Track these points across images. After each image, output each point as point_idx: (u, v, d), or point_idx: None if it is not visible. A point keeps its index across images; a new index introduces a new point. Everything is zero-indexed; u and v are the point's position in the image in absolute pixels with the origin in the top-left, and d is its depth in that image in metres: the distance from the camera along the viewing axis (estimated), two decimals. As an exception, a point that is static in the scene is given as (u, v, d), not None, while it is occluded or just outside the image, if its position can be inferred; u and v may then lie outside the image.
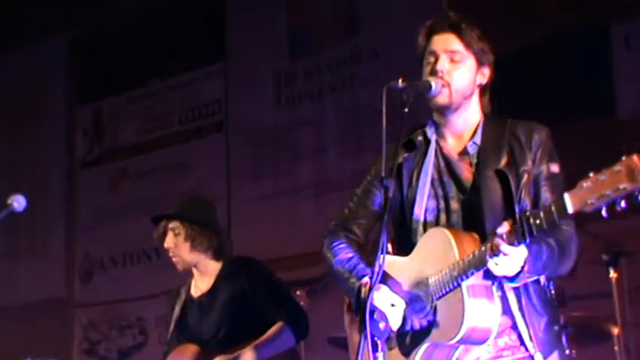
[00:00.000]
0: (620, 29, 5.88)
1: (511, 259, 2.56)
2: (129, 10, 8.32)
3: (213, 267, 4.36)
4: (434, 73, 2.87)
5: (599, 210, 2.31)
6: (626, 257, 4.77)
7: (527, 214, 2.54)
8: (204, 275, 4.39)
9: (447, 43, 2.91)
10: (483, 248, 2.61)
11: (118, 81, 8.43)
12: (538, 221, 2.50)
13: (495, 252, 2.55)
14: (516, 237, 2.52)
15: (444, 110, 2.92)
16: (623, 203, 2.28)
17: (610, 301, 4.64)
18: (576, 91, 5.86)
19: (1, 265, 8.31)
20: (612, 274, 4.69)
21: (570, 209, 2.39)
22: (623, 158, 2.28)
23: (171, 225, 4.32)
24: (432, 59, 2.91)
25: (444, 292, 2.71)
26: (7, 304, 8.23)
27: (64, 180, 8.67)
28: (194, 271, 4.42)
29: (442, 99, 2.87)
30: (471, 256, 2.65)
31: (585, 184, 2.35)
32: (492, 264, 2.57)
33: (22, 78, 8.86)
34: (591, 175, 2.34)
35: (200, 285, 4.40)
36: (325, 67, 7.30)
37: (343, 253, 3.06)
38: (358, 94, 7.03)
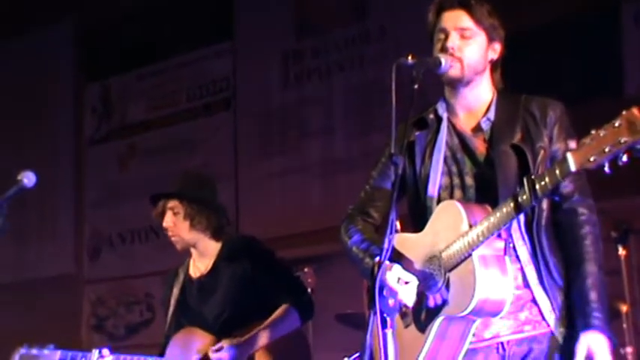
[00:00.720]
0: (630, 7, 5.86)
1: None
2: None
3: (213, 247, 4.30)
4: (444, 50, 2.86)
5: (602, 166, 2.32)
6: (635, 235, 4.78)
7: (533, 177, 2.56)
8: (203, 255, 4.32)
9: (457, 19, 2.89)
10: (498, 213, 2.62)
11: (126, 59, 8.43)
12: (543, 183, 2.52)
13: None
14: (523, 198, 2.55)
15: (456, 84, 2.90)
16: (624, 157, 2.28)
17: (619, 279, 4.64)
18: (586, 70, 5.85)
19: (10, 243, 8.34)
20: (621, 252, 4.70)
21: (573, 167, 2.40)
22: (624, 113, 2.28)
23: (169, 204, 4.23)
24: (442, 36, 2.89)
25: (455, 263, 2.70)
26: (17, 281, 8.28)
27: (72, 157, 8.70)
28: (193, 251, 4.34)
29: (454, 72, 2.86)
30: (481, 222, 2.66)
31: (587, 140, 2.36)
32: None
33: (31, 58, 8.87)
34: (592, 132, 2.34)
35: (199, 265, 4.34)
36: (333, 46, 7.28)
37: (358, 236, 3.05)
38: (366, 73, 7.02)
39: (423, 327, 2.80)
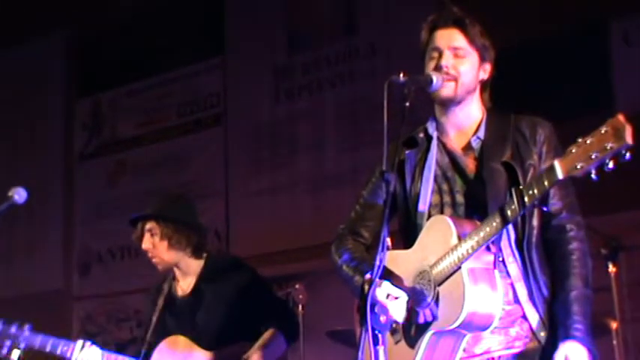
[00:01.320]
0: (619, 26, 5.90)
1: None
2: (128, 4, 8.32)
3: (195, 265, 4.29)
4: (438, 68, 2.88)
5: (589, 173, 2.35)
6: (625, 251, 4.78)
7: (521, 187, 2.58)
8: (185, 274, 4.31)
9: (450, 38, 2.91)
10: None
11: (116, 74, 8.43)
12: (531, 192, 2.53)
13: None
14: (511, 208, 2.57)
15: (448, 103, 2.92)
16: (611, 164, 2.31)
17: (609, 296, 4.65)
18: (576, 87, 5.87)
19: (-1, 258, 8.32)
20: (611, 269, 4.70)
21: (560, 175, 2.42)
22: (609, 119, 2.30)
23: (147, 226, 4.24)
24: (435, 54, 2.91)
25: (444, 277, 2.71)
26: (6, 297, 8.22)
27: (62, 173, 8.67)
28: (175, 270, 4.34)
29: (447, 91, 2.88)
30: (469, 235, 2.67)
31: (573, 149, 2.38)
32: None
33: (22, 72, 8.85)
34: (579, 139, 2.36)
35: (182, 284, 4.33)
36: (324, 62, 7.30)
37: (348, 255, 3.07)
38: (357, 89, 7.04)
39: (413, 342, 2.80)
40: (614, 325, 4.62)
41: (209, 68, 7.99)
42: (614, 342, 4.63)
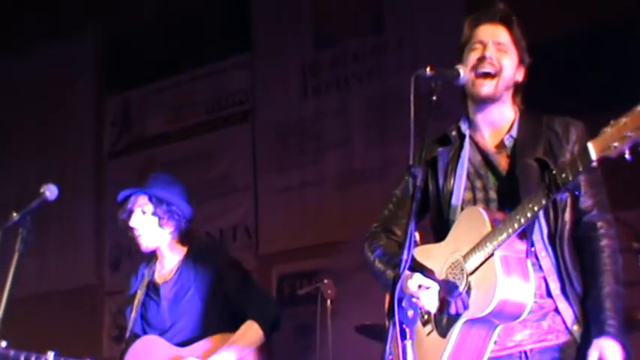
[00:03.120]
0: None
1: None
2: (156, 2, 8.37)
3: (179, 252, 4.23)
4: (482, 59, 2.88)
5: (623, 153, 2.33)
6: (657, 245, 4.74)
7: (554, 171, 2.58)
8: (167, 260, 4.24)
9: (495, 33, 2.92)
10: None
11: (145, 72, 8.48)
12: (564, 175, 2.53)
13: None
14: (546, 192, 2.57)
15: (486, 102, 2.92)
16: None
17: (639, 289, 4.62)
18: (605, 80, 5.84)
19: (32, 255, 8.38)
20: (642, 263, 4.67)
21: (593, 156, 2.41)
22: None
23: (139, 201, 4.17)
24: (478, 46, 2.92)
25: (477, 265, 2.72)
26: (39, 293, 8.31)
27: (92, 170, 8.74)
28: (158, 254, 4.26)
29: (487, 90, 2.89)
30: (503, 222, 2.67)
31: (607, 129, 2.37)
32: None
33: (53, 71, 8.92)
34: (612, 121, 2.35)
35: (164, 270, 4.26)
36: (350, 57, 7.30)
37: (380, 250, 3.08)
38: (384, 84, 7.03)
39: (444, 332, 2.81)
40: (645, 319, 4.58)
41: (236, 65, 8.01)
42: (645, 336, 4.60)
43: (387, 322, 2.84)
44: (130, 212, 4.18)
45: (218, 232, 7.70)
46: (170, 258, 4.25)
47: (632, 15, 5.89)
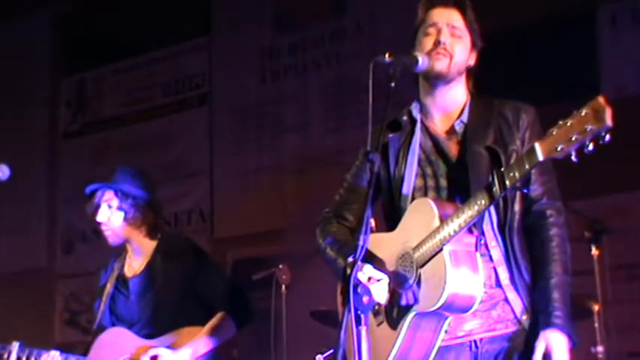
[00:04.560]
0: (607, 8, 5.90)
1: None
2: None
3: (148, 245, 4.23)
4: (437, 44, 2.87)
5: (569, 155, 2.35)
6: (608, 234, 4.80)
7: (502, 169, 2.58)
8: (138, 253, 4.25)
9: (450, 17, 2.92)
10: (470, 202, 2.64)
11: (102, 53, 8.38)
12: (512, 174, 2.54)
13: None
14: (492, 190, 2.57)
15: (438, 80, 2.91)
16: (590, 146, 2.31)
17: (591, 279, 4.67)
18: (562, 72, 5.88)
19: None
20: (594, 251, 4.72)
21: (540, 157, 2.43)
22: (590, 101, 2.31)
23: (105, 197, 4.17)
24: (432, 30, 2.91)
25: (426, 259, 2.72)
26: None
27: (46, 151, 8.64)
28: (128, 247, 4.27)
29: (441, 65, 2.87)
30: (451, 217, 2.67)
31: (554, 131, 2.38)
32: None
33: (7, 50, 8.79)
34: (560, 122, 2.36)
35: (134, 264, 4.27)
36: (310, 42, 7.28)
37: (332, 238, 3.07)
38: (343, 70, 7.02)
39: (395, 324, 2.81)
40: (596, 307, 4.64)
41: (195, 48, 7.96)
42: (596, 324, 4.66)
43: (340, 309, 2.84)
44: (97, 207, 4.18)
45: (173, 216, 7.65)
46: (139, 252, 4.25)
47: (591, 5, 5.93)
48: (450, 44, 2.88)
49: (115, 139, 8.28)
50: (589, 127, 2.28)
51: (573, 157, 2.35)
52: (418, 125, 2.97)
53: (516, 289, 2.78)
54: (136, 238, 4.21)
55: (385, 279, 2.78)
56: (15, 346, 4.14)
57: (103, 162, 8.28)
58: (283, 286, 5.35)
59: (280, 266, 5.37)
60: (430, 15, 2.93)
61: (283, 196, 7.09)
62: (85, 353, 4.16)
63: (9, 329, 4.34)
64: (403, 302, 2.77)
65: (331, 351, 4.68)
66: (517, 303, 2.79)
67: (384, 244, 2.91)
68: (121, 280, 4.27)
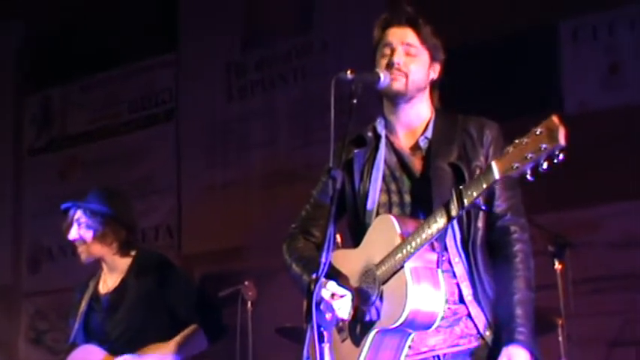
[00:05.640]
0: (568, 24, 5.96)
1: None
2: (80, -2, 8.26)
3: (121, 262, 4.27)
4: (391, 64, 2.88)
5: (525, 173, 2.37)
6: (571, 249, 4.83)
7: (460, 188, 2.60)
8: (112, 271, 4.29)
9: (403, 36, 2.93)
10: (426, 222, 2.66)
11: (68, 69, 8.34)
12: (469, 192, 2.56)
13: None
14: (450, 209, 2.59)
15: (398, 99, 2.92)
16: (545, 164, 2.33)
17: (555, 293, 4.71)
18: (525, 87, 5.93)
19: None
20: (557, 266, 4.75)
21: (497, 175, 2.45)
22: (544, 121, 2.34)
23: (76, 216, 4.25)
24: (387, 51, 2.92)
25: (388, 276, 2.72)
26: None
27: (11, 167, 8.57)
28: (103, 265, 4.32)
29: (398, 85, 2.89)
30: (412, 234, 2.68)
31: (510, 149, 2.41)
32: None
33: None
34: (516, 140, 2.39)
35: (108, 281, 4.31)
36: (277, 59, 7.29)
37: (298, 254, 3.08)
38: (309, 86, 7.04)
39: (358, 341, 2.81)
40: (559, 321, 4.67)
41: (162, 64, 7.95)
42: (560, 338, 4.69)
43: (305, 325, 2.84)
44: (69, 226, 4.27)
45: (140, 233, 7.61)
46: (113, 269, 4.29)
47: (554, 20, 5.99)
48: (405, 63, 2.89)
49: (82, 155, 8.25)
50: (543, 146, 2.31)
51: (528, 176, 2.37)
52: (383, 141, 2.98)
53: (479, 305, 2.79)
54: (107, 256, 4.27)
55: (348, 295, 2.78)
56: None
57: (69, 179, 8.24)
58: (249, 303, 5.33)
59: (246, 283, 5.36)
60: (385, 35, 2.95)
61: (250, 212, 7.09)
62: None
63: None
64: (366, 319, 2.78)
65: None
66: (480, 319, 2.80)
67: (347, 260, 2.91)
68: (95, 298, 4.31)
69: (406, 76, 2.89)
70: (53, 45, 8.44)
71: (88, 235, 4.20)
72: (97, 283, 4.34)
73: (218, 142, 7.49)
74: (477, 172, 2.80)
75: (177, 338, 4.08)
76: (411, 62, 2.90)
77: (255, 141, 7.29)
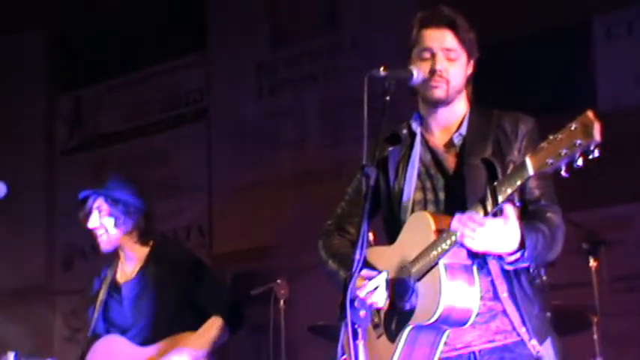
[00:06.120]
0: (602, 21, 5.92)
1: (485, 231, 2.56)
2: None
3: (140, 251, 4.28)
4: (432, 72, 2.87)
5: (559, 169, 2.35)
6: (606, 246, 4.80)
7: (495, 184, 2.58)
8: (130, 259, 4.30)
9: (443, 40, 2.90)
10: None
11: (98, 70, 8.39)
12: (503, 189, 2.54)
13: (466, 226, 2.56)
14: (485, 204, 2.56)
15: (438, 104, 2.93)
16: (580, 161, 2.31)
17: (590, 290, 4.67)
18: (558, 83, 5.89)
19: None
20: (592, 263, 4.72)
21: (531, 171, 2.43)
22: (579, 116, 2.31)
23: (96, 204, 4.24)
24: (427, 55, 2.90)
25: (423, 272, 2.73)
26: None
27: (44, 168, 8.64)
28: (120, 254, 4.32)
29: (439, 93, 2.89)
30: (447, 231, 2.67)
31: (544, 145, 2.39)
32: (468, 240, 2.57)
33: (4, 68, 8.79)
34: (550, 136, 2.37)
35: (126, 270, 4.31)
36: (306, 57, 7.29)
37: (334, 250, 3.09)
38: (339, 84, 7.03)
39: (393, 336, 2.82)
40: (594, 319, 4.64)
41: (191, 64, 7.97)
42: (595, 336, 4.66)
43: (339, 322, 2.84)
44: (88, 214, 4.25)
45: (172, 233, 7.65)
46: (132, 258, 4.29)
47: (586, 16, 5.94)
48: (446, 69, 2.88)
49: (113, 155, 8.28)
50: (578, 142, 2.29)
51: (563, 172, 2.35)
52: (418, 138, 2.98)
53: (514, 302, 2.78)
54: (127, 244, 4.26)
55: (383, 284, 2.80)
56: (10, 356, 4.15)
57: (101, 177, 8.27)
58: (282, 301, 5.34)
59: (278, 281, 5.37)
60: (424, 36, 2.92)
61: (281, 210, 7.09)
62: None
63: (7, 346, 4.33)
64: (401, 315, 2.78)
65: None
66: (515, 315, 2.79)
67: (383, 256, 2.92)
68: (114, 286, 4.31)
69: (447, 82, 2.89)
70: (84, 45, 8.49)
71: (110, 223, 4.20)
72: (115, 272, 4.34)
73: (248, 141, 7.49)
74: (511, 166, 2.80)
75: (200, 332, 4.07)
76: (451, 67, 2.90)
77: (286, 140, 7.30)
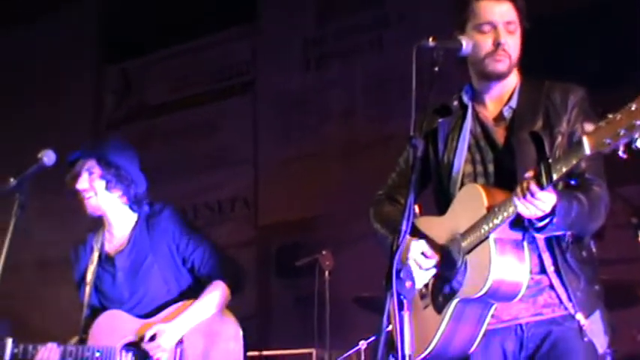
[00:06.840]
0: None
1: (539, 200, 2.53)
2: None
3: (129, 218, 4.08)
4: (497, 45, 2.84)
5: (617, 150, 2.30)
6: (656, 222, 4.73)
7: (550, 160, 2.55)
8: (117, 228, 4.09)
9: (504, 13, 2.88)
10: (512, 194, 2.61)
11: (147, 41, 8.43)
12: (559, 167, 2.50)
13: (523, 193, 2.53)
14: (540, 181, 2.52)
15: (498, 78, 2.90)
16: (639, 142, 2.26)
17: (638, 265, 4.62)
18: (610, 56, 5.81)
19: (33, 222, 8.36)
20: (641, 238, 4.66)
21: (587, 150, 2.38)
22: (638, 97, 2.26)
23: (86, 165, 4.03)
24: (487, 29, 2.87)
25: (473, 246, 2.72)
26: (28, 260, 8.28)
27: (92, 137, 8.70)
28: (105, 222, 4.11)
29: (502, 66, 2.87)
30: (498, 206, 2.65)
31: (602, 124, 2.34)
32: (521, 207, 2.56)
33: (54, 39, 8.88)
34: (609, 115, 2.32)
35: (115, 240, 4.12)
36: (353, 30, 7.26)
37: (385, 216, 3.10)
38: (385, 57, 7.00)
39: (440, 308, 2.83)
40: (643, 294, 4.59)
41: (240, 35, 7.98)
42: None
43: (385, 294, 2.84)
44: (77, 175, 4.06)
45: (216, 204, 7.70)
46: (119, 226, 4.11)
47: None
48: (508, 43, 2.86)
49: (160, 126, 8.34)
50: (637, 123, 2.24)
51: (621, 152, 2.30)
52: (469, 111, 2.97)
53: (559, 277, 2.77)
54: (116, 210, 4.07)
55: (434, 261, 2.82)
56: (8, 342, 4.02)
57: (148, 148, 8.34)
58: (327, 272, 5.35)
59: (323, 252, 5.38)
60: (483, 8, 2.89)
61: (327, 182, 7.10)
62: (83, 342, 4.02)
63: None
64: (449, 287, 2.79)
65: (375, 337, 4.67)
66: (561, 290, 2.78)
67: (434, 227, 2.93)
68: (105, 258, 4.12)
69: (509, 57, 2.86)
70: (133, 16, 8.54)
71: (100, 185, 4.01)
72: (103, 244, 4.15)
73: (295, 113, 7.50)
74: (559, 138, 2.79)
75: (202, 297, 3.93)
76: (511, 40, 2.87)
77: (332, 112, 7.29)
